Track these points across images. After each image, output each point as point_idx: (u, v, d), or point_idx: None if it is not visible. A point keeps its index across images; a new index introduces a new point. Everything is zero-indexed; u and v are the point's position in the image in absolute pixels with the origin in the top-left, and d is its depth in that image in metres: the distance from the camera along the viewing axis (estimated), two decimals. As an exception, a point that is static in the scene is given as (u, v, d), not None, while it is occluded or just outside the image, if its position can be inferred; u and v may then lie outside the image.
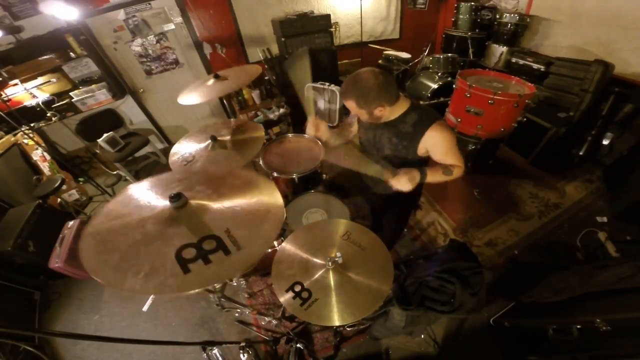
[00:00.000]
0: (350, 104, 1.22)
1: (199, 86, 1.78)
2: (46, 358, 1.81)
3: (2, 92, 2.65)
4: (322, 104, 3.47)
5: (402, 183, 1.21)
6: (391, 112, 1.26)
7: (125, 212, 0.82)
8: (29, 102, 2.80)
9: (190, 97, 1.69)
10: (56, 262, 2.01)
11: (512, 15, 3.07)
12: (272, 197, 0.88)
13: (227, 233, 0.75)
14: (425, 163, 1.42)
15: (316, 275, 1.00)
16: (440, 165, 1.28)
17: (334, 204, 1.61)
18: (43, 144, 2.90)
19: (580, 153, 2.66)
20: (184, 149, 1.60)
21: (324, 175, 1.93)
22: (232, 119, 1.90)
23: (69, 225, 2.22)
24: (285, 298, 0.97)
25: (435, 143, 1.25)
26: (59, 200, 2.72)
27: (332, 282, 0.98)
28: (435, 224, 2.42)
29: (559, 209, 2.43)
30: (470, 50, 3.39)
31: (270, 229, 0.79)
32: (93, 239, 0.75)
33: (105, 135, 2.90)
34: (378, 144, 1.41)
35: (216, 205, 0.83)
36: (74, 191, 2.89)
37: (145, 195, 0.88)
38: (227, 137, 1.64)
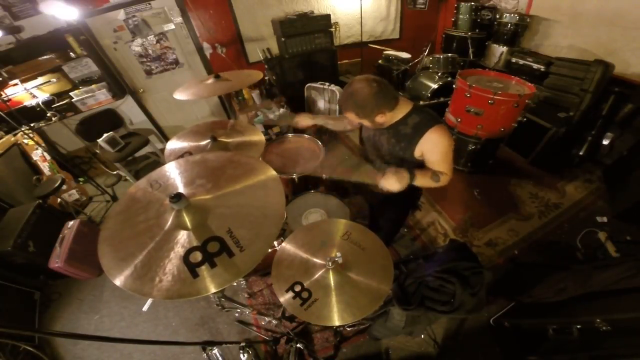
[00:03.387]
0: (351, 116, 1.22)
1: (198, 84, 1.77)
2: (46, 358, 1.81)
3: (2, 92, 2.65)
4: (322, 104, 3.48)
5: (390, 182, 1.19)
6: (392, 116, 1.25)
7: (132, 216, 0.84)
8: (29, 102, 2.80)
9: (187, 94, 1.68)
10: (56, 262, 2.01)
11: (512, 15, 3.07)
12: (269, 177, 0.91)
13: (229, 233, 0.76)
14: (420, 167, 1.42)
15: (316, 275, 1.00)
16: (429, 170, 1.26)
17: (333, 204, 1.61)
18: (43, 144, 2.90)
19: (580, 153, 2.66)
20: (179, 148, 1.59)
21: (324, 175, 1.93)
22: (231, 120, 1.90)
23: (69, 225, 2.22)
24: (285, 298, 0.97)
25: (432, 147, 1.24)
26: (59, 200, 2.72)
27: (332, 282, 0.98)
28: (435, 224, 2.42)
29: (559, 209, 2.43)
30: (470, 50, 3.40)
31: (270, 223, 0.80)
32: (109, 246, 0.77)
33: (105, 135, 2.89)
34: (377, 143, 1.41)
35: (217, 202, 0.84)
36: (74, 191, 2.89)
37: (148, 194, 0.89)
38: (228, 140, 1.63)
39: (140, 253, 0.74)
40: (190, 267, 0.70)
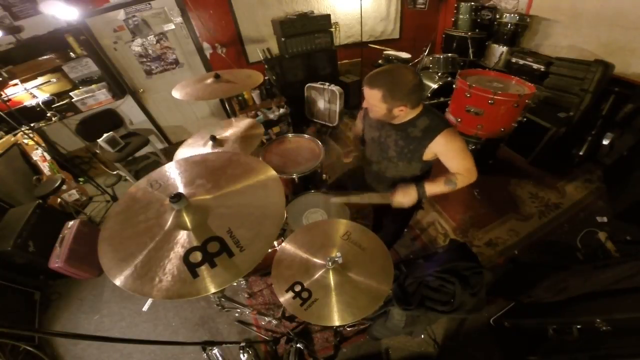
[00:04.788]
0: (374, 94, 1.16)
1: (197, 83, 1.77)
2: (46, 358, 1.81)
3: (2, 92, 2.65)
4: (322, 104, 3.48)
5: (399, 199, 1.29)
6: (406, 115, 1.24)
7: (132, 216, 0.84)
8: (29, 102, 2.80)
9: (188, 95, 1.68)
10: (56, 262, 2.01)
11: (512, 15, 3.07)
12: (269, 177, 0.91)
13: (229, 233, 0.76)
14: (428, 169, 1.41)
15: (316, 275, 1.00)
16: (441, 177, 1.27)
17: (334, 204, 1.61)
18: (43, 144, 2.90)
19: (580, 153, 2.66)
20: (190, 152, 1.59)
21: (324, 175, 1.93)
22: (232, 118, 1.90)
23: (69, 225, 2.22)
24: (285, 298, 0.97)
25: (444, 150, 1.23)
26: (59, 200, 2.72)
27: (332, 282, 0.98)
28: (435, 224, 2.42)
29: (559, 209, 2.43)
30: (470, 50, 3.39)
31: (270, 223, 0.80)
32: (109, 246, 0.77)
33: (105, 135, 2.89)
34: (383, 145, 1.39)
35: (217, 202, 0.84)
36: (74, 191, 2.89)
37: (148, 194, 0.89)
38: (227, 134, 1.63)
39: (140, 253, 0.74)
40: (190, 267, 0.70)
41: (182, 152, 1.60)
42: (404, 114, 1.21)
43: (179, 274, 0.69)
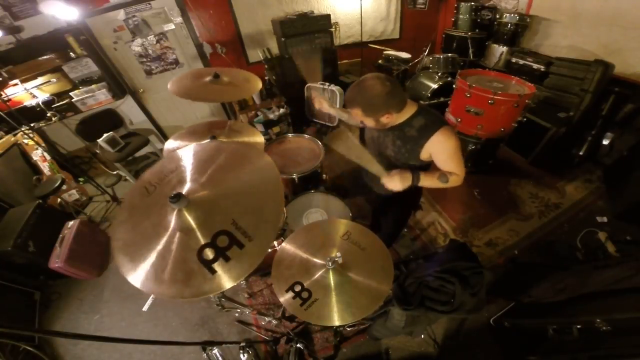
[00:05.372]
0: (356, 112, 1.20)
1: (195, 80, 1.74)
2: (46, 358, 1.81)
3: (2, 92, 2.64)
4: (322, 104, 3.47)
5: (393, 182, 1.23)
6: (398, 118, 1.24)
7: (137, 223, 0.83)
8: (29, 102, 2.80)
9: (186, 92, 1.65)
10: (56, 262, 2.01)
11: (512, 15, 3.08)
12: (261, 160, 0.89)
13: (234, 225, 0.76)
14: (426, 168, 1.41)
15: (316, 275, 1.00)
16: (437, 171, 1.26)
17: (334, 204, 1.61)
18: (43, 144, 2.90)
19: (580, 153, 2.66)
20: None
21: (324, 175, 1.94)
22: (229, 121, 1.90)
23: (69, 225, 2.22)
24: (285, 298, 0.97)
25: (439, 149, 1.23)
26: (59, 200, 2.72)
27: (332, 282, 0.98)
28: (435, 224, 2.42)
29: (559, 209, 2.43)
30: (470, 50, 3.39)
31: (270, 200, 0.80)
32: (126, 256, 0.77)
33: (105, 135, 2.90)
34: (381, 145, 1.40)
35: (214, 193, 0.83)
36: (74, 191, 2.89)
37: (146, 199, 0.87)
38: (227, 140, 1.63)
39: (154, 257, 0.74)
40: (206, 264, 0.71)
41: (171, 144, 1.60)
42: (393, 119, 1.22)
43: (197, 273, 0.70)
